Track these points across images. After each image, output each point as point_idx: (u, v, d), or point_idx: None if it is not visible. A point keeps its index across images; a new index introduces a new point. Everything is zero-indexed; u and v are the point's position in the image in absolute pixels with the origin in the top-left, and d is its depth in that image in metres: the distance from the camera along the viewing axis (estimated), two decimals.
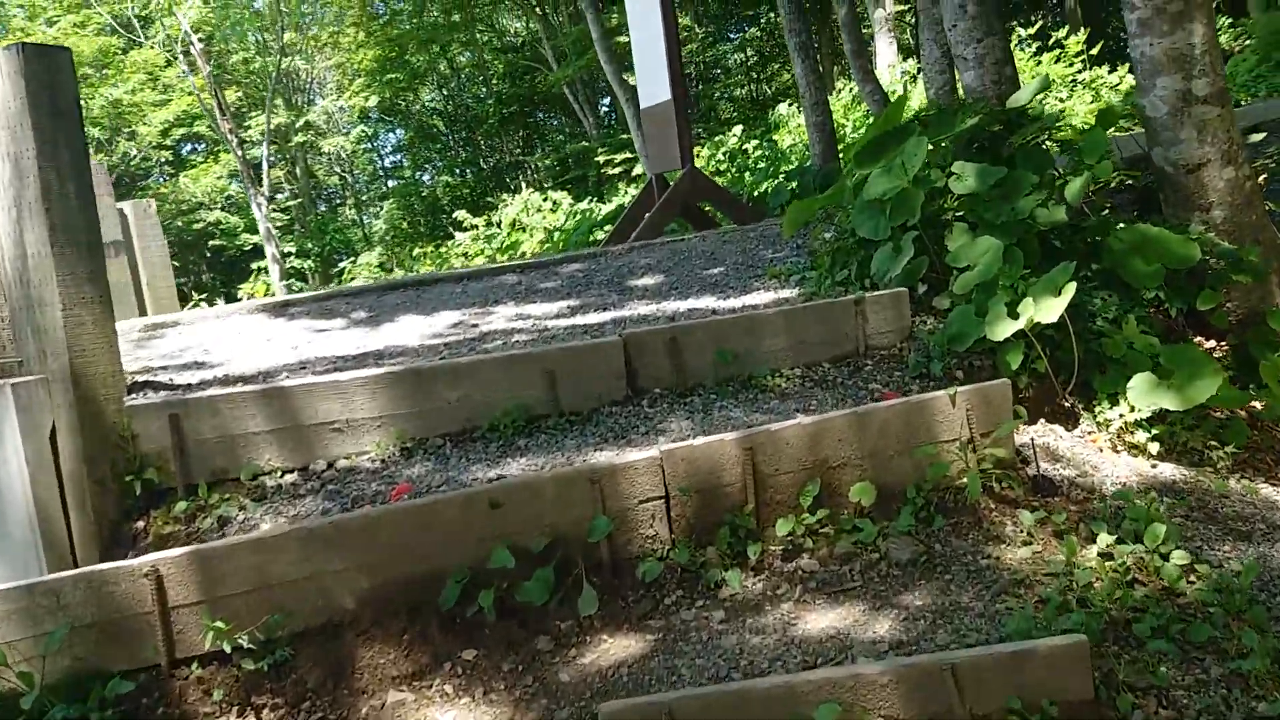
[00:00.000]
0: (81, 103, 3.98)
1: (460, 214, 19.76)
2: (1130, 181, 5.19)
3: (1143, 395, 3.75)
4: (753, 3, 31.90)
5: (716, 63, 32.26)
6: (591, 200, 21.09)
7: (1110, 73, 14.34)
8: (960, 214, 4.50)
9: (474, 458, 3.66)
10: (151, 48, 14.56)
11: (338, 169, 34.45)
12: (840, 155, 10.30)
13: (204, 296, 14.01)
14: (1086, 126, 6.25)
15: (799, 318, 4.13)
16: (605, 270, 5.77)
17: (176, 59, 14.17)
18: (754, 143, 15.24)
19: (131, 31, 16.89)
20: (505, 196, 30.50)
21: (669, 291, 5.09)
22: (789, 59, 36.32)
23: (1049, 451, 3.67)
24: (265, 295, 13.75)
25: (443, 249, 19.17)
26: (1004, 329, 3.76)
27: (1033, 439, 3.67)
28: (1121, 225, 4.31)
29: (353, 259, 27.29)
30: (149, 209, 8.66)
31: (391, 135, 38.52)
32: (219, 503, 3.57)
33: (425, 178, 33.37)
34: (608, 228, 10.21)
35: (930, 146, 4.60)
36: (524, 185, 29.59)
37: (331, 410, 3.77)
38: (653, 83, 7.35)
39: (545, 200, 20.19)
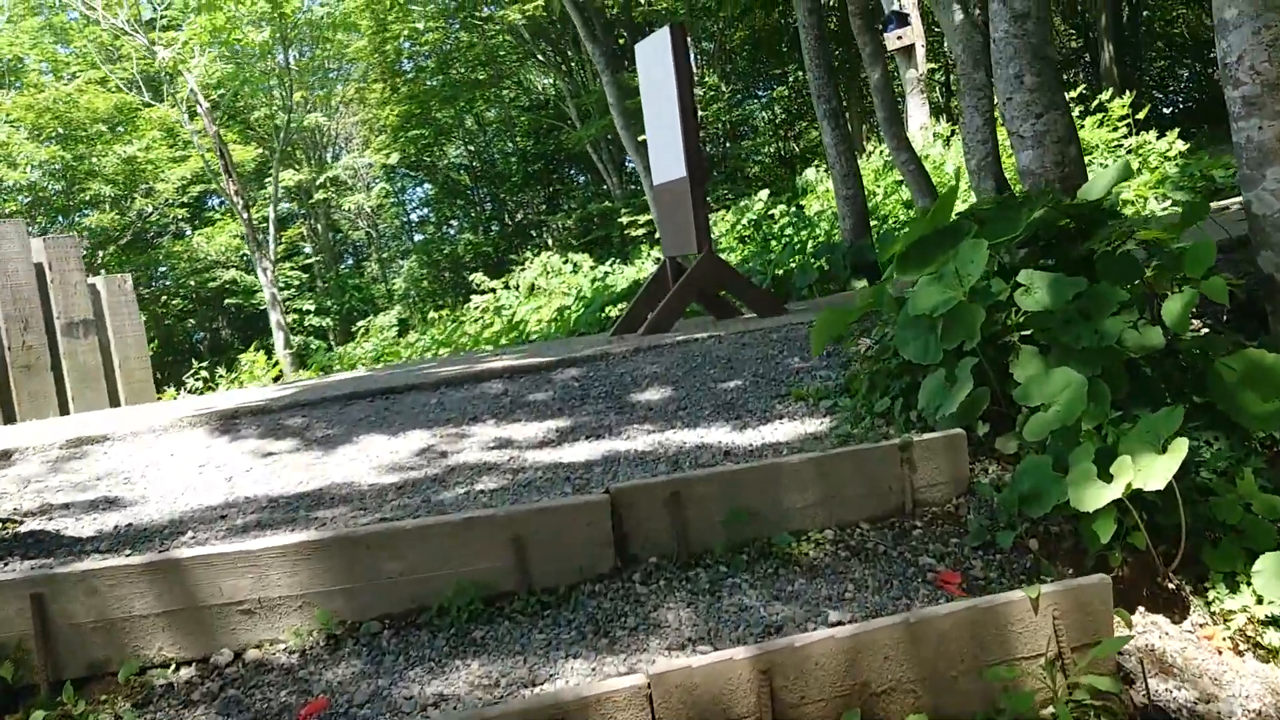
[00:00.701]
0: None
1: (477, 276, 19.14)
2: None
3: (1273, 583, 2.93)
4: (780, 61, 31.44)
5: (744, 121, 31.74)
6: (614, 262, 20.44)
7: (1158, 138, 13.54)
8: (1028, 334, 3.71)
9: (416, 654, 2.87)
10: (170, 106, 14.04)
11: (362, 224, 34.09)
12: (871, 230, 9.54)
13: (204, 365, 13.36)
14: (1166, 216, 5.46)
15: (831, 467, 3.33)
16: (605, 378, 5.00)
17: (187, 117, 13.66)
18: (780, 208, 14.54)
19: (149, 89, 16.47)
20: (528, 254, 30.05)
21: (676, 413, 4.31)
22: (817, 117, 36.01)
23: (1156, 658, 2.83)
24: (265, 366, 13.11)
25: (459, 312, 18.51)
26: (1094, 497, 2.94)
27: (1134, 645, 2.84)
28: (1228, 351, 3.50)
29: (370, 317, 26.83)
30: (124, 284, 8.00)
31: (418, 190, 38.31)
32: (86, 713, 2.79)
33: (450, 233, 32.96)
34: (623, 305, 9.47)
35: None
36: (548, 243, 29.10)
37: (240, 587, 3.00)
38: (667, 157, 6.63)
39: (565, 262, 19.56)
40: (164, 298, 25.49)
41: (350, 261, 36.09)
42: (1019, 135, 5.31)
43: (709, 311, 7.13)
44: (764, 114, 33.82)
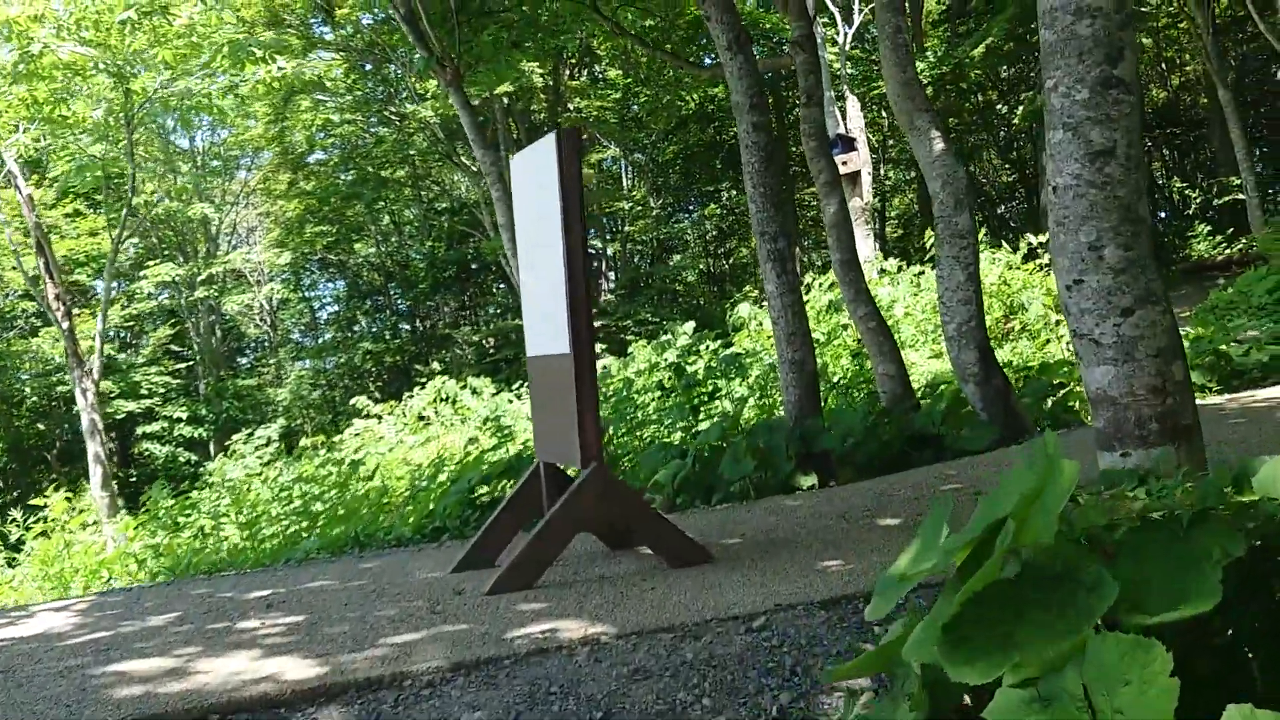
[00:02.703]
0: None
1: (359, 400, 16.79)
2: None
3: None
4: (713, 177, 30.02)
5: (672, 237, 30.11)
6: (519, 387, 18.26)
7: None
8: None
9: None
10: None
11: (261, 322, 31.51)
12: (823, 402, 7.53)
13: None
14: None
15: None
16: None
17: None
18: (706, 345, 12.57)
19: None
20: (431, 367, 27.72)
21: None
22: (749, 233, 34.51)
23: None
24: (65, 511, 10.59)
25: (338, 439, 16.06)
26: None
27: None
28: None
29: (249, 431, 24.13)
30: None
31: (329, 286, 35.86)
32: None
33: (356, 332, 30.48)
34: (504, 485, 7.26)
35: None
36: (456, 353, 26.82)
37: None
38: (544, 320, 4.56)
39: (464, 387, 17.32)
40: (16, 397, 22.63)
41: (249, 358, 33.35)
42: (1092, 340, 3.32)
43: (601, 539, 4.96)
44: (694, 230, 32.33)
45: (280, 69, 10.46)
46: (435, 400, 16.42)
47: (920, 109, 7.47)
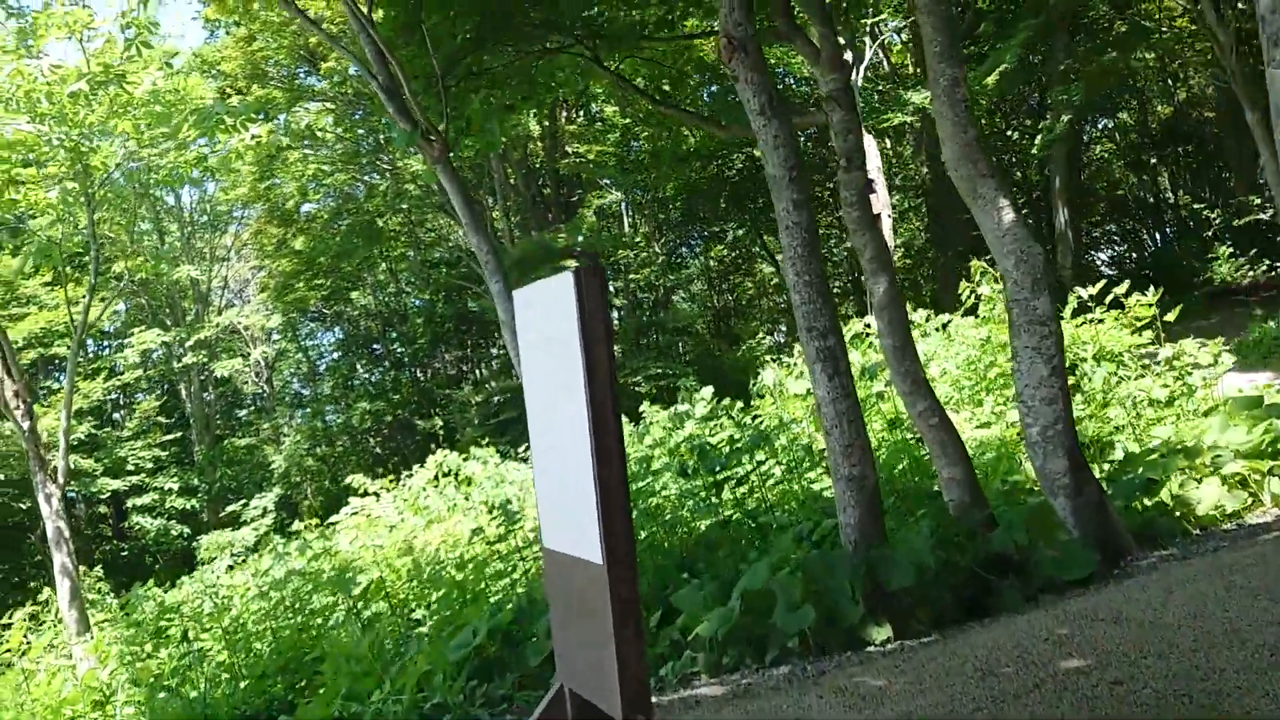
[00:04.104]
0: None
1: (355, 478, 15.67)
2: None
3: None
4: (716, 216, 28.94)
5: (679, 284, 28.99)
6: (526, 449, 17.13)
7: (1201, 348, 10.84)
8: None
9: None
10: None
11: (256, 379, 30.46)
12: (887, 525, 6.42)
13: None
14: None
15: None
16: None
17: None
18: (727, 422, 11.42)
19: None
20: (435, 420, 26.61)
21: None
22: (752, 266, 33.32)
23: None
24: (31, 634, 9.49)
25: (330, 522, 14.91)
26: None
27: None
28: None
29: (244, 502, 23.05)
30: None
31: (326, 335, 34.76)
32: None
33: (355, 384, 29.36)
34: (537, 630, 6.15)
35: None
36: (452, 411, 25.70)
37: None
38: (566, 519, 3.50)
39: (467, 459, 16.22)
40: None
41: (246, 413, 32.17)
42: None
43: None
44: (699, 268, 31.26)
45: (254, 136, 9.41)
46: (436, 477, 15.31)
47: (985, 174, 6.44)
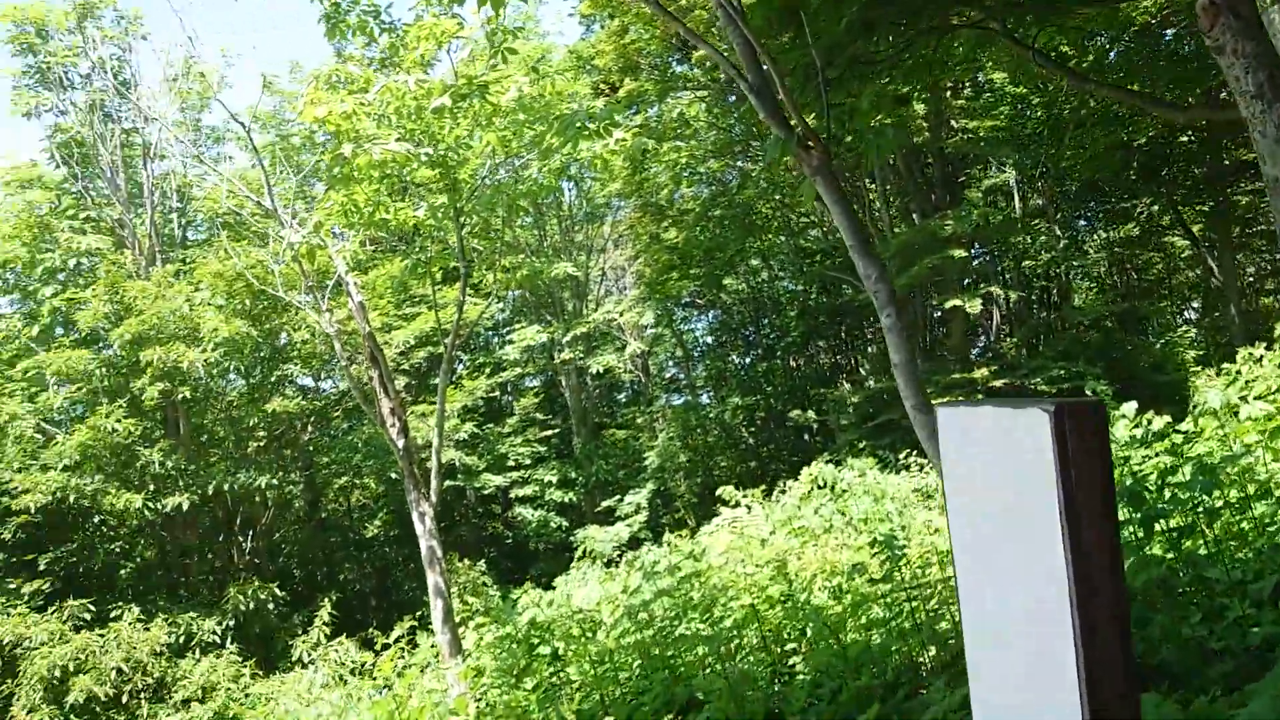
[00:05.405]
0: None
1: (726, 490, 14.91)
2: None
3: None
4: (1119, 190, 25.44)
5: (1075, 270, 25.82)
6: (908, 455, 15.64)
7: None
8: None
9: None
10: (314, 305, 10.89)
11: (632, 367, 30.94)
12: None
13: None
14: None
15: None
16: None
17: (328, 315, 10.49)
18: (1163, 448, 9.30)
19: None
20: (809, 413, 25.56)
21: None
22: (1161, 241, 29.24)
23: None
24: (397, 660, 9.45)
25: (700, 534, 14.26)
26: None
27: None
28: None
29: (619, 497, 23.18)
30: None
31: (702, 319, 34.83)
32: None
33: (734, 362, 29.07)
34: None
35: None
36: (829, 409, 24.51)
37: None
38: (1013, 694, 2.13)
39: (841, 469, 14.98)
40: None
41: (625, 396, 32.87)
42: None
43: None
44: (1101, 242, 27.82)
45: (619, 140, 8.71)
46: (809, 493, 14.22)
47: None
